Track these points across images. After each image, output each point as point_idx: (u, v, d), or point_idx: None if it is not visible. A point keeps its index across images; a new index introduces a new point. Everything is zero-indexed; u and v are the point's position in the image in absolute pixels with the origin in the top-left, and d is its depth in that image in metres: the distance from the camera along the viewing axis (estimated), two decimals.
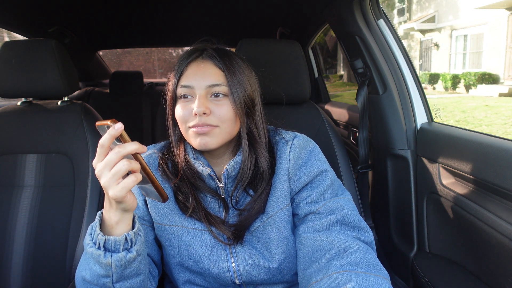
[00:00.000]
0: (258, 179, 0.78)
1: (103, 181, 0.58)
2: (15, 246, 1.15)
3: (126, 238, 0.63)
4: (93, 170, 1.19)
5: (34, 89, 1.22)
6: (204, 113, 0.72)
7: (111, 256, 0.61)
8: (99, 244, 0.61)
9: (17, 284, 1.14)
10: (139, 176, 0.59)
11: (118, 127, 0.55)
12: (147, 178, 0.60)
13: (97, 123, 0.60)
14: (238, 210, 0.79)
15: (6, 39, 2.16)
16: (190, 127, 0.74)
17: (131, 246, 0.64)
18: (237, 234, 0.77)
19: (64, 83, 1.22)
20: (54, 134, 1.23)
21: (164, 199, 0.62)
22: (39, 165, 1.22)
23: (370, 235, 0.76)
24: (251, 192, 0.79)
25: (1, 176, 1.21)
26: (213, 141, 0.74)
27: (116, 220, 0.62)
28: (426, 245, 1.16)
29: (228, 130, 0.76)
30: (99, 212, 0.66)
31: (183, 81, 0.76)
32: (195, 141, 0.75)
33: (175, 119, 0.79)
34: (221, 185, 0.79)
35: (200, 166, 0.78)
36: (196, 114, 0.72)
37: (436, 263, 1.09)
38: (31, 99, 1.34)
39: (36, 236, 1.16)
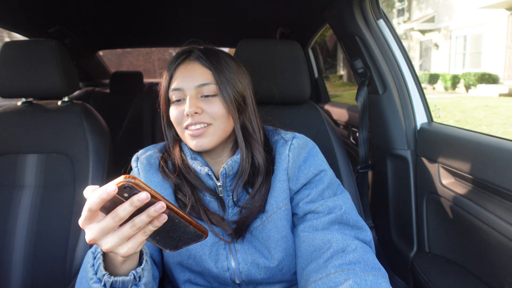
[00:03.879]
0: (255, 174, 0.79)
1: (105, 247, 0.49)
2: (16, 246, 1.15)
3: (134, 276, 0.59)
4: (93, 170, 1.21)
5: (35, 89, 1.22)
6: (196, 113, 0.73)
7: None
8: (105, 283, 0.57)
9: (17, 284, 1.14)
10: (148, 229, 0.48)
11: (110, 190, 0.44)
12: (178, 218, 0.50)
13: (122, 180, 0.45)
14: (238, 207, 0.79)
15: (7, 39, 2.16)
16: (185, 128, 0.76)
17: (139, 280, 0.61)
18: (238, 231, 0.78)
19: (64, 83, 1.22)
20: (54, 134, 1.23)
21: (205, 234, 0.52)
22: (39, 165, 1.22)
23: (368, 234, 0.76)
24: (250, 190, 0.80)
25: (2, 176, 1.21)
26: (208, 141, 0.75)
27: (122, 260, 0.57)
28: (426, 245, 1.16)
29: (222, 127, 0.77)
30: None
31: (173, 84, 0.77)
32: (191, 143, 0.76)
33: (169, 120, 0.81)
34: (219, 183, 0.79)
35: (198, 166, 0.78)
36: (187, 115, 0.73)
37: (436, 263, 1.09)
38: (31, 99, 1.34)
39: (36, 236, 1.16)
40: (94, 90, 2.87)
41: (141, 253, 0.62)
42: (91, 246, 1.14)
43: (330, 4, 1.38)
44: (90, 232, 0.48)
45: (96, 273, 0.58)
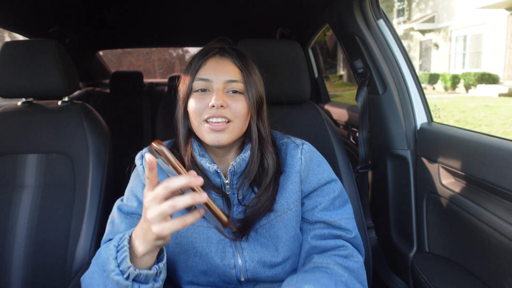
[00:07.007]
0: (263, 175, 0.81)
1: (149, 215, 0.56)
2: (16, 246, 1.15)
3: (156, 271, 0.63)
4: (93, 170, 1.21)
5: (35, 89, 1.22)
6: (222, 106, 0.74)
7: (139, 287, 0.62)
8: (128, 275, 0.60)
9: (18, 284, 1.14)
10: (188, 220, 0.56)
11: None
12: (205, 207, 0.57)
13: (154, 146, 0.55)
14: (243, 206, 0.80)
15: (7, 39, 2.16)
16: (204, 120, 0.76)
17: (158, 276, 0.64)
18: (242, 229, 0.78)
19: (64, 83, 1.22)
20: (55, 134, 1.24)
21: (224, 224, 0.58)
22: (39, 165, 1.22)
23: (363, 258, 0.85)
24: (256, 190, 0.80)
25: (2, 176, 1.21)
26: (226, 137, 0.76)
27: (143, 252, 0.61)
28: (425, 245, 1.16)
29: (240, 126, 0.78)
30: (127, 236, 0.64)
31: (201, 74, 0.78)
32: (208, 136, 0.76)
33: (185, 113, 0.81)
34: (227, 181, 0.80)
35: (207, 163, 0.79)
36: (213, 106, 0.74)
37: (436, 263, 1.09)
38: (31, 99, 1.34)
39: (36, 236, 1.16)
40: (94, 90, 2.87)
41: (160, 251, 0.67)
42: (90, 246, 1.14)
43: (330, 4, 1.38)
44: (146, 198, 0.57)
45: (119, 266, 0.61)
